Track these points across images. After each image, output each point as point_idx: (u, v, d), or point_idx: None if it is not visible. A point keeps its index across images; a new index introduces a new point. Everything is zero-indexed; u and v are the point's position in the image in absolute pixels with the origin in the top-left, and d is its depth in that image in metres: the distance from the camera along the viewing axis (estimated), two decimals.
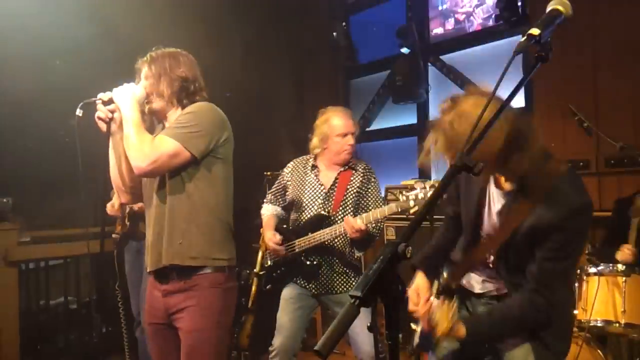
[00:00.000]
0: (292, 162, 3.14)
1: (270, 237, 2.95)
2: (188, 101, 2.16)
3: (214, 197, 2.13)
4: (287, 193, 3.07)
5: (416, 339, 1.97)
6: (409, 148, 5.60)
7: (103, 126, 2.13)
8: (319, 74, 6.27)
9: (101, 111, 2.10)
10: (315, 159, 3.04)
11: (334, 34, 6.12)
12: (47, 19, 4.35)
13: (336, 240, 2.85)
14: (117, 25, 4.46)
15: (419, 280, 1.97)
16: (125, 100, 2.05)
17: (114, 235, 3.64)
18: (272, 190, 3.17)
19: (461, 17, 5.13)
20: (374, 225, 2.79)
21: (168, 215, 2.08)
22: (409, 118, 5.64)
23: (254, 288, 4.24)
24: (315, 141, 3.01)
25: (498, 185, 1.81)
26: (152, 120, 2.40)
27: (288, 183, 3.07)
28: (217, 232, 2.13)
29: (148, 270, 2.17)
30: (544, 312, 1.70)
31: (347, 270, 2.88)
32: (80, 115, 2.05)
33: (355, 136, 2.97)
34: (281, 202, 3.11)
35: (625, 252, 2.99)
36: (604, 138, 3.18)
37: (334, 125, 2.93)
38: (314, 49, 6.20)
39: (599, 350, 2.79)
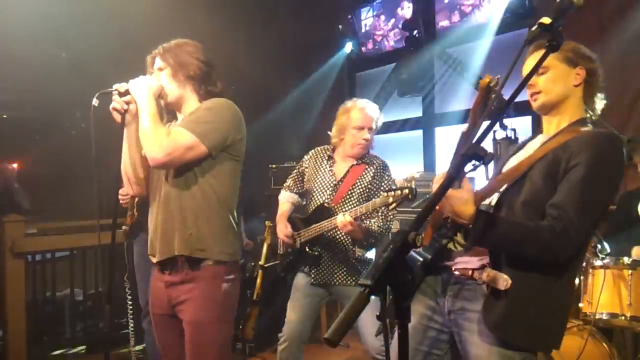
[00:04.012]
0: (313, 150, 3.15)
1: (282, 228, 2.97)
2: (208, 89, 2.17)
3: (224, 192, 2.15)
4: (304, 180, 3.08)
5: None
6: (415, 141, 5.60)
7: (118, 117, 2.13)
8: (325, 66, 6.25)
9: (117, 102, 2.10)
10: (333, 150, 3.04)
11: (340, 26, 6.13)
12: (52, 11, 4.36)
13: (337, 232, 2.85)
14: (121, 19, 4.47)
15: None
16: (141, 92, 2.06)
17: (123, 227, 3.66)
18: (291, 176, 3.18)
19: (467, 10, 5.11)
20: (375, 222, 2.80)
21: (179, 207, 2.10)
22: (415, 111, 5.63)
23: (259, 280, 4.25)
24: (333, 131, 3.01)
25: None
26: (163, 113, 2.41)
27: (306, 170, 3.09)
28: (224, 226, 2.16)
29: (155, 261, 2.18)
30: (561, 239, 1.55)
31: (347, 264, 2.88)
32: (96, 105, 2.05)
33: (373, 132, 2.94)
34: (300, 188, 3.12)
35: None
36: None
37: (352, 117, 2.92)
38: (320, 41, 6.19)
39: (604, 344, 2.79)
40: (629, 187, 3.49)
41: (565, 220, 1.55)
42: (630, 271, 2.76)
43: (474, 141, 1.16)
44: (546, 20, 1.39)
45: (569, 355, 2.67)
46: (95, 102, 2.03)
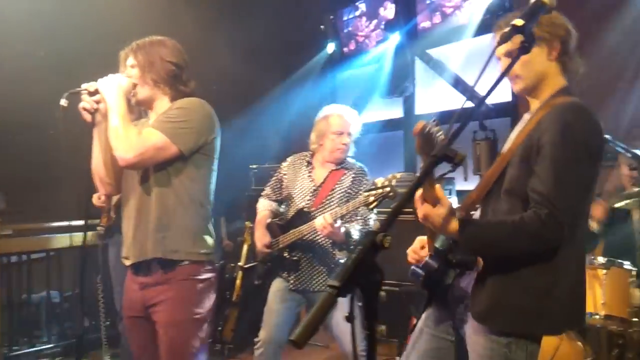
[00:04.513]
0: (291, 157, 3.15)
1: (259, 237, 2.98)
2: (180, 88, 2.15)
3: (199, 193, 2.14)
4: (282, 187, 3.07)
5: (412, 268, 1.80)
6: (396, 142, 5.62)
7: (88, 117, 2.11)
8: (307, 67, 6.24)
9: (86, 102, 2.08)
10: (312, 155, 3.05)
11: (322, 27, 6.13)
12: (31, 10, 4.30)
13: (317, 236, 2.84)
14: (102, 18, 4.42)
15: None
16: (111, 91, 2.03)
17: (98, 228, 3.61)
18: (270, 184, 3.17)
19: (449, 11, 5.14)
20: (355, 225, 2.80)
21: (152, 209, 2.08)
22: (396, 112, 5.64)
23: (238, 281, 4.24)
24: (312, 137, 3.03)
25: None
26: (140, 112, 2.39)
27: (284, 176, 3.08)
28: (199, 227, 2.14)
29: (128, 264, 2.15)
30: (549, 226, 1.50)
31: (326, 270, 2.87)
32: (65, 105, 2.03)
33: (352, 137, 2.95)
34: (278, 195, 3.11)
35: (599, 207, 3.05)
36: None
37: (332, 123, 2.94)
38: (302, 41, 6.17)
39: (578, 342, 2.82)
40: (609, 186, 3.53)
41: (548, 204, 1.52)
42: (604, 271, 2.81)
43: (445, 142, 1.16)
44: (519, 22, 1.39)
45: (544, 354, 2.68)
46: (64, 102, 2.01)
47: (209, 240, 2.18)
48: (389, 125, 5.70)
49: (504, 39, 1.40)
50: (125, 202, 2.19)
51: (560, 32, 1.69)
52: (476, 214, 1.80)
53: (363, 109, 5.92)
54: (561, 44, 1.70)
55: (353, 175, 2.93)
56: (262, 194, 3.18)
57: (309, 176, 2.98)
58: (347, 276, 0.94)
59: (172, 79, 2.14)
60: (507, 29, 1.40)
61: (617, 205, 3.03)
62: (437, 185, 1.53)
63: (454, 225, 1.54)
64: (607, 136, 2.62)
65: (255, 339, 2.90)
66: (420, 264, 1.74)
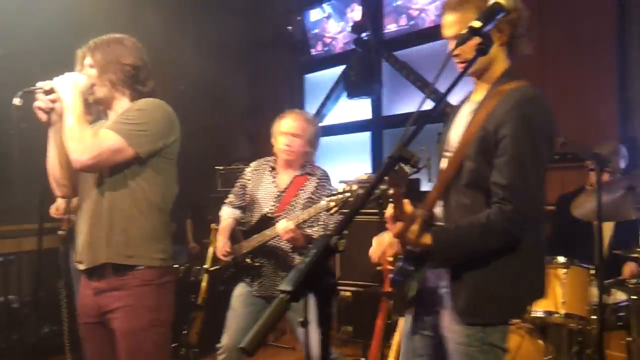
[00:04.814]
0: (255, 162, 3.13)
1: (220, 246, 2.96)
2: (138, 89, 2.10)
3: (156, 196, 2.08)
4: (246, 192, 3.04)
5: (391, 275, 1.85)
6: (363, 143, 5.64)
7: (43, 116, 2.04)
8: (274, 68, 6.22)
9: (41, 101, 2.01)
10: (275, 161, 3.03)
11: (289, 27, 6.11)
12: None
13: (280, 241, 2.83)
14: (66, 16, 4.31)
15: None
16: (67, 90, 1.97)
17: (59, 232, 3.52)
18: (233, 190, 3.14)
19: (415, 14, 5.19)
20: (316, 231, 2.80)
21: (108, 212, 2.02)
22: (363, 113, 5.66)
23: (204, 284, 4.18)
24: (273, 141, 3.00)
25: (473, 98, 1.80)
26: (99, 112, 2.33)
27: (248, 182, 3.05)
28: (157, 231, 2.08)
29: (82, 268, 2.09)
30: (515, 222, 1.57)
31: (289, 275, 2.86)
32: (19, 104, 1.97)
33: (302, 139, 2.90)
34: (242, 202, 3.08)
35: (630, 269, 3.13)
36: None
37: (280, 124, 2.94)
38: (270, 43, 6.15)
39: (540, 341, 2.87)
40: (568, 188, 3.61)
41: (512, 199, 1.56)
42: (564, 270, 2.86)
43: (402, 143, 1.16)
44: (476, 23, 1.40)
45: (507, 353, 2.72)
46: (17, 101, 1.94)
47: (167, 244, 2.13)
48: (357, 126, 5.71)
49: (460, 41, 1.41)
50: (81, 204, 2.12)
51: (511, 15, 1.66)
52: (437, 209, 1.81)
53: (331, 110, 5.95)
54: (511, 27, 1.69)
55: (317, 181, 2.92)
56: (225, 201, 3.14)
57: (273, 181, 2.97)
58: (300, 281, 0.93)
59: (129, 79, 2.08)
60: (464, 31, 1.41)
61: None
62: (406, 201, 1.56)
63: (427, 239, 1.58)
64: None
65: (218, 345, 2.87)
66: (395, 270, 1.79)
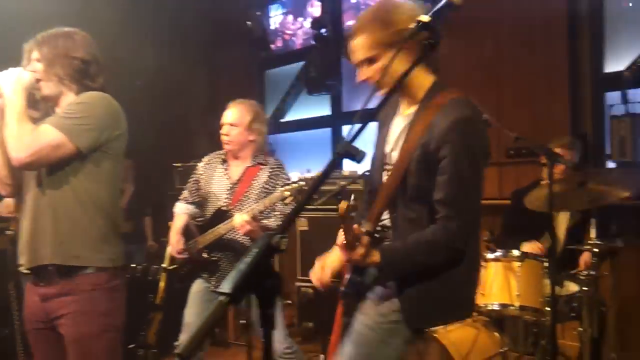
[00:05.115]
0: (207, 156, 3.08)
1: (174, 243, 2.90)
2: (86, 84, 2.03)
3: (101, 193, 2.01)
4: (200, 187, 2.98)
5: (342, 288, 1.89)
6: (323, 139, 5.62)
7: None
8: (233, 63, 6.14)
9: None
10: (227, 153, 2.98)
11: (249, 23, 6.04)
12: None
13: (237, 235, 2.79)
14: (11, 8, 4.16)
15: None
16: (9, 86, 1.90)
17: (7, 232, 3.41)
18: (187, 186, 3.09)
19: None
20: (274, 221, 2.77)
21: (50, 211, 1.95)
22: (323, 109, 5.65)
23: (162, 283, 4.10)
24: None
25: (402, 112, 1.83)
26: (48, 108, 2.24)
27: (201, 177, 3.00)
28: (103, 230, 2.01)
29: (24, 270, 2.01)
30: (459, 238, 1.65)
31: None
32: None
33: (241, 127, 2.86)
34: (196, 198, 3.02)
35: (534, 247, 3.18)
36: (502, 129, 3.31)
37: (223, 115, 2.92)
38: (229, 39, 6.07)
39: (496, 333, 2.91)
40: (522, 183, 3.68)
41: (455, 217, 1.63)
42: (519, 263, 2.90)
43: (347, 139, 1.15)
44: (424, 18, 1.39)
45: (463, 346, 2.75)
46: None
47: (116, 244, 2.06)
48: (316, 122, 5.69)
49: (409, 36, 1.40)
50: (24, 204, 2.04)
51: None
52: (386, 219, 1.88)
53: (291, 106, 5.91)
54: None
55: (269, 170, 2.89)
56: (179, 197, 3.08)
57: (225, 174, 2.92)
58: (241, 282, 0.90)
59: (78, 74, 2.01)
60: (412, 25, 1.40)
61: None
62: (355, 226, 1.60)
63: (376, 258, 1.64)
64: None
65: (176, 343, 2.81)
66: (345, 282, 1.84)
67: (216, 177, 2.93)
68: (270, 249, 0.94)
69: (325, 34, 5.24)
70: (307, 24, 5.70)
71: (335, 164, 1.12)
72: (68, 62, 1.99)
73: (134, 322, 3.96)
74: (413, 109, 1.76)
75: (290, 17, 5.94)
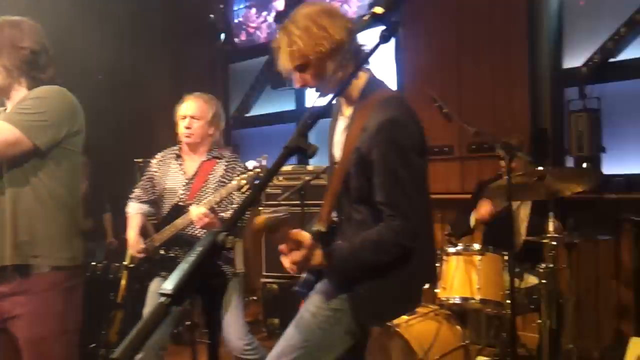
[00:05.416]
0: (160, 153, 3.00)
1: (132, 243, 2.82)
2: (36, 76, 1.95)
3: (60, 190, 1.95)
4: (154, 185, 2.91)
5: (295, 287, 1.93)
6: (287, 134, 5.56)
7: None
8: (197, 57, 6.04)
9: None
10: (180, 149, 2.92)
11: (211, 16, 5.94)
12: None
13: (195, 230, 2.72)
14: None
15: None
16: None
17: None
18: (140, 184, 2.99)
19: (337, 4, 5.16)
20: (230, 212, 2.72)
21: (9, 210, 1.88)
22: (287, 104, 5.61)
23: (123, 281, 4.01)
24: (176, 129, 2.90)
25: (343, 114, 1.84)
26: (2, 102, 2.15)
27: (155, 174, 2.93)
28: (62, 229, 1.96)
29: None
30: (404, 234, 1.65)
31: None
32: None
33: (202, 120, 2.81)
34: (150, 196, 2.94)
35: (485, 206, 3.22)
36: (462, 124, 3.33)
37: (180, 108, 2.85)
38: (191, 32, 5.97)
39: (457, 326, 2.94)
40: (484, 177, 3.72)
41: (397, 214, 1.64)
42: (479, 257, 2.93)
43: (298, 133, 1.12)
44: (378, 9, 1.37)
45: (425, 340, 2.77)
46: None
47: (76, 242, 2.00)
48: (280, 117, 5.65)
49: (362, 27, 1.38)
50: None
51: (334, 32, 1.70)
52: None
53: (256, 101, 5.85)
54: (336, 46, 1.69)
55: (225, 163, 2.84)
56: (131, 196, 2.98)
57: (180, 170, 2.86)
58: (183, 283, 0.86)
59: (26, 66, 1.93)
60: (366, 17, 1.38)
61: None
62: (294, 231, 1.62)
63: (319, 258, 1.65)
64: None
65: None
66: (300, 282, 1.87)
67: (171, 173, 2.86)
68: (215, 247, 0.90)
69: None
70: (271, 18, 5.64)
71: (285, 159, 1.09)
72: (15, 52, 1.91)
73: (95, 321, 3.87)
74: (351, 110, 1.78)
75: (253, 10, 5.87)
